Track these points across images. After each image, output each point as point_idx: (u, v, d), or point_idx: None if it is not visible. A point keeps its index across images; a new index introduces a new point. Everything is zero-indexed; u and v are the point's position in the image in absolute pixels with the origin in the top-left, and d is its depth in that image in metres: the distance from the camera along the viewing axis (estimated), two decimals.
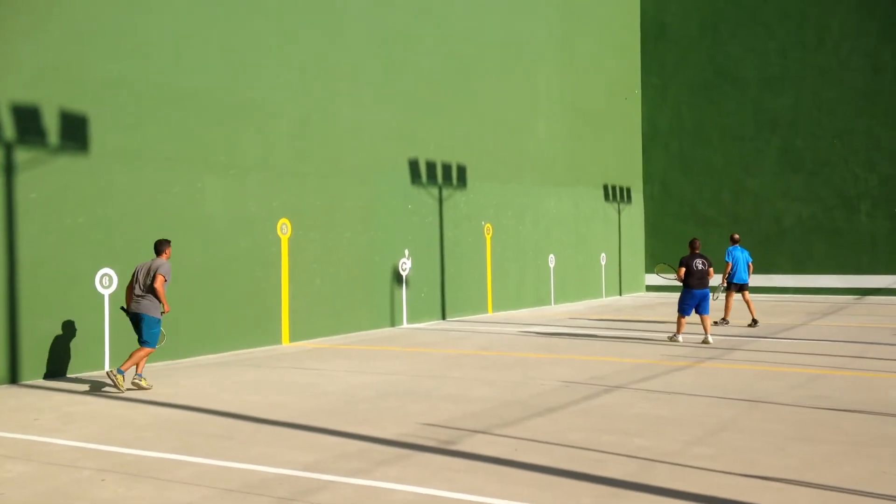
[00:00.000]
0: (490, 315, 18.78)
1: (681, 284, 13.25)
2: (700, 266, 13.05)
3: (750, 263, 16.07)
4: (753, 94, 24.89)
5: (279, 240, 13.79)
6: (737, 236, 16.27)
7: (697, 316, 13.58)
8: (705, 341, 12.96)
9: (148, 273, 9.52)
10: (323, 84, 14.79)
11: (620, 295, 25.01)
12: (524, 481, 5.76)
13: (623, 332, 15.04)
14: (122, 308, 9.81)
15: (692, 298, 13.04)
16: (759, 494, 5.39)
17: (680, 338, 13.25)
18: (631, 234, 25.91)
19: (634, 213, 26.21)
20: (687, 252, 13.47)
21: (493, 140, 19.52)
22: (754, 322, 15.35)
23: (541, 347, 12.96)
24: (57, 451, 6.69)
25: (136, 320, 9.51)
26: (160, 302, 9.50)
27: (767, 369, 10.54)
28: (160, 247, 9.79)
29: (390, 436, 7.11)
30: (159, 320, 9.59)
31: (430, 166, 17.44)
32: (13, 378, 9.98)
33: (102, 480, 5.87)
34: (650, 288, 26.56)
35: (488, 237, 19.12)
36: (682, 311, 13.18)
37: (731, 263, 15.81)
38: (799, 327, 15.32)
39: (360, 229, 15.54)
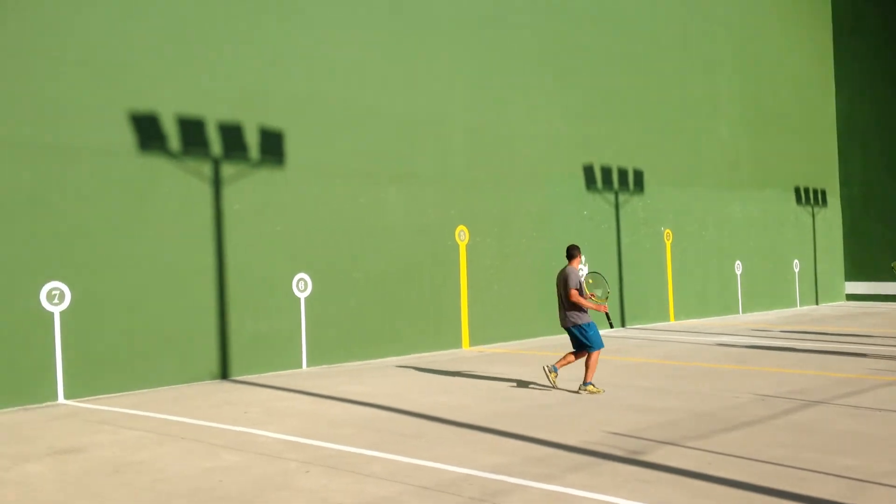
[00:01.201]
0: (672, 323, 18.24)
1: None
2: None
3: None
4: None
5: (457, 246, 14.12)
6: None
7: None
8: None
9: (559, 284, 9.45)
10: (496, 94, 15.01)
11: (817, 304, 23.49)
12: (718, 496, 5.58)
13: (823, 343, 14.13)
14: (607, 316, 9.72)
15: None
16: None
17: None
18: (828, 239, 24.27)
19: (831, 217, 24.55)
20: None
21: (671, 143, 18.98)
22: None
23: (730, 358, 12.44)
24: (265, 442, 7.22)
25: (570, 334, 9.49)
26: (584, 311, 9.34)
27: None
28: (571, 252, 9.61)
29: (576, 443, 7.10)
30: (590, 323, 9.40)
31: (606, 172, 17.22)
32: (224, 374, 10.87)
33: (307, 472, 6.27)
34: (851, 297, 24.76)
35: (668, 243, 18.60)
36: None
37: None
38: None
39: (536, 235, 15.61)
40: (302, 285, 11.85)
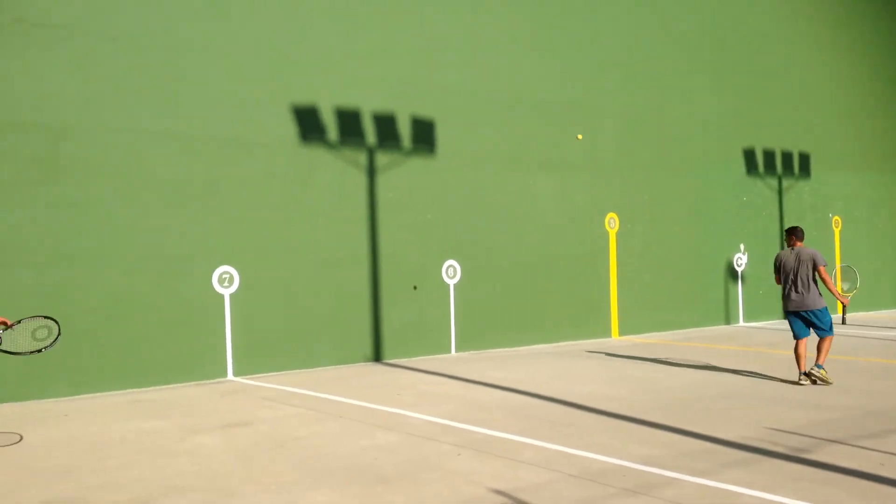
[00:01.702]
0: (838, 315, 17.16)
1: None
2: None
3: None
4: None
5: (607, 234, 13.89)
6: None
7: None
8: None
9: (797, 264, 9.28)
10: (650, 78, 14.59)
11: None
12: (891, 498, 5.22)
13: None
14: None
15: None
16: None
17: None
18: None
19: None
20: None
21: (841, 124, 17.80)
22: None
23: None
24: (417, 424, 7.42)
25: (800, 319, 9.35)
26: (820, 294, 9.33)
27: None
28: (800, 234, 9.55)
29: (734, 438, 6.84)
30: (826, 308, 9.38)
31: (768, 156, 16.39)
32: (377, 357, 11.25)
33: (458, 455, 6.39)
34: None
35: (837, 231, 17.48)
36: None
37: None
38: None
39: (690, 222, 15.10)
40: (451, 272, 12.05)
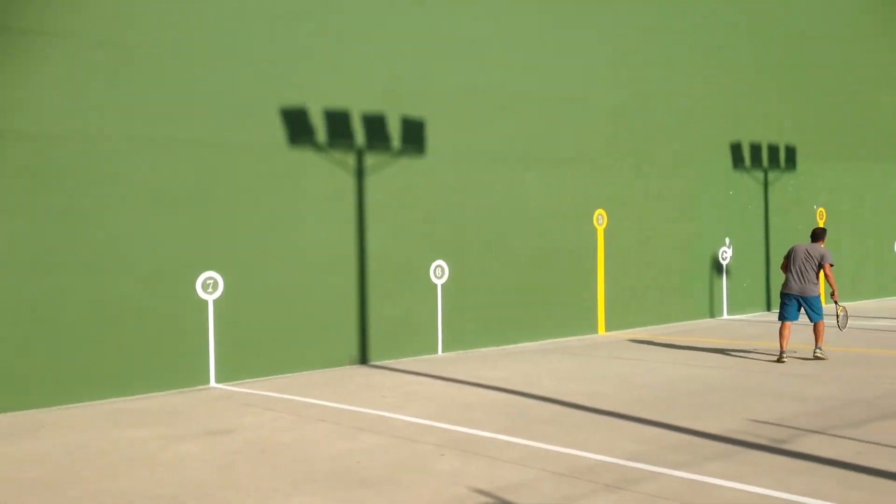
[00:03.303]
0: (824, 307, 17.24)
1: None
2: None
3: None
4: None
5: (595, 230, 13.93)
6: None
7: None
8: None
9: (807, 257, 10.54)
10: (638, 73, 14.62)
11: None
12: (874, 487, 5.27)
13: None
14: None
15: None
16: None
17: None
18: None
19: None
20: None
21: (826, 117, 17.88)
22: None
23: (886, 342, 11.66)
24: (401, 426, 7.43)
25: (798, 303, 10.57)
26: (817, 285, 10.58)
27: None
28: (821, 234, 10.81)
29: (715, 430, 6.89)
30: (819, 297, 10.62)
31: (755, 149, 16.46)
32: (363, 359, 11.25)
33: (442, 455, 6.41)
34: None
35: (821, 223, 17.58)
36: None
37: None
38: None
39: (678, 217, 15.15)
40: (439, 272, 12.06)
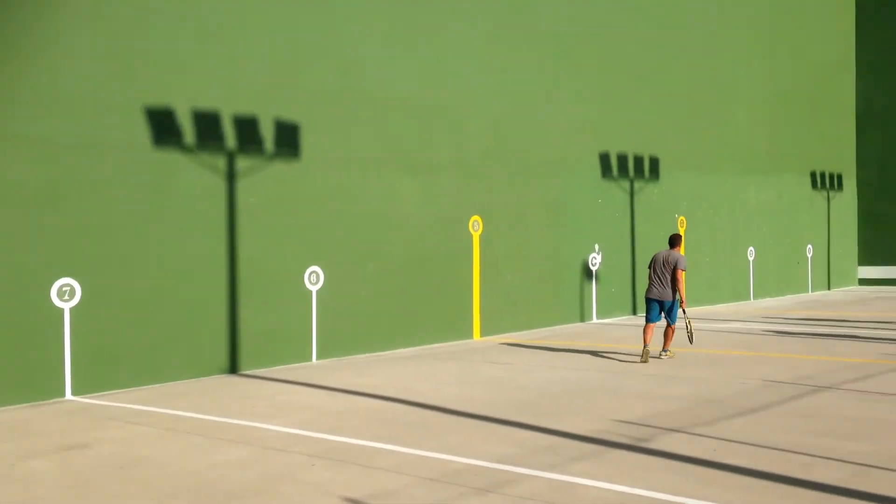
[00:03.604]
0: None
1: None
2: None
3: None
4: None
5: (471, 236, 14.10)
6: None
7: None
8: None
9: (664, 263, 11.05)
10: (514, 83, 14.94)
11: (829, 289, 23.29)
12: (726, 483, 5.54)
13: (833, 328, 14.02)
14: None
15: None
16: None
17: None
18: (842, 223, 24.05)
19: (846, 201, 24.31)
20: None
21: (688, 130, 18.85)
22: None
23: (739, 344, 12.36)
24: (271, 436, 7.25)
25: (658, 307, 11.12)
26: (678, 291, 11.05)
27: None
28: (676, 241, 11.32)
29: (583, 431, 7.08)
30: (677, 303, 11.13)
31: (622, 159, 17.13)
32: (233, 368, 10.92)
33: (313, 465, 6.29)
34: (863, 281, 24.54)
35: (682, 230, 18.48)
36: None
37: None
38: None
39: (550, 224, 15.56)
40: (314, 278, 11.88)
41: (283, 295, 11.53)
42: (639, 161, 17.52)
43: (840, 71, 24.36)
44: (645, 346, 10.98)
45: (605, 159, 16.72)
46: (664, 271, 11.04)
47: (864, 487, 5.32)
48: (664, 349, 11.25)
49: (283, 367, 11.35)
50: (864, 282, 24.52)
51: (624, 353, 11.81)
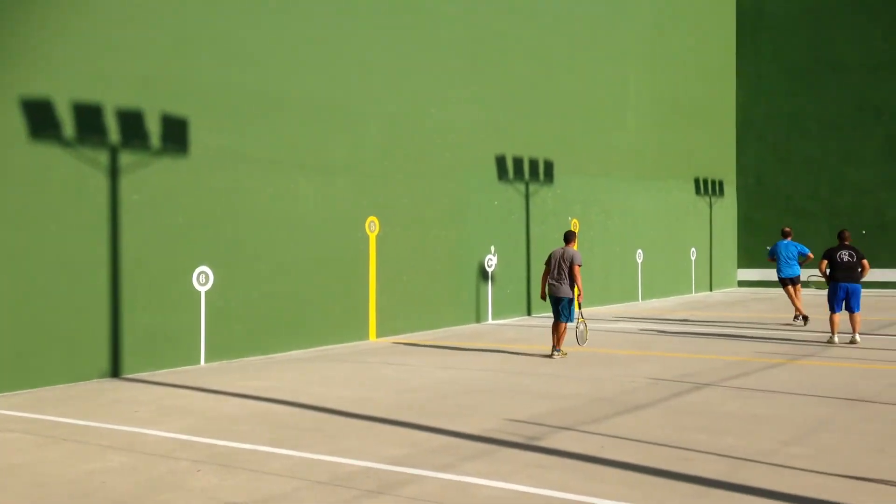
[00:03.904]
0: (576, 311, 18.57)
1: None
2: (846, 258, 12.16)
3: (808, 255, 15.23)
4: (856, 81, 23.85)
5: (367, 237, 14.00)
6: (786, 229, 15.50)
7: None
8: (852, 341, 12.09)
9: (561, 260, 11.28)
10: (411, 84, 14.93)
11: (711, 291, 24.36)
12: (611, 479, 5.69)
13: (713, 328, 14.65)
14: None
15: (837, 292, 12.18)
16: (856, 496, 5.17)
17: (836, 339, 12.24)
18: (723, 228, 25.21)
19: (727, 207, 25.48)
20: (836, 243, 12.56)
21: (581, 135, 19.32)
22: (799, 318, 14.73)
23: (628, 344, 12.75)
24: (155, 442, 6.98)
25: (559, 303, 11.32)
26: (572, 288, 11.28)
27: (867, 367, 10.10)
28: (570, 237, 11.66)
29: (477, 431, 7.13)
30: (572, 300, 11.35)
31: (517, 162, 17.39)
32: (115, 371, 10.46)
33: (198, 471, 6.08)
34: (742, 283, 25.79)
35: (575, 233, 18.91)
36: (830, 307, 12.29)
37: (774, 259, 15.23)
38: None
39: (447, 226, 15.63)
40: (203, 278, 11.52)
41: (170, 296, 11.14)
42: (534, 164, 17.84)
43: (721, 81, 25.53)
44: (553, 346, 11.37)
45: (501, 162, 16.94)
46: (561, 268, 11.28)
47: (740, 480, 5.56)
48: (556, 348, 11.40)
49: (169, 370, 10.97)
50: (743, 283, 25.77)
51: (519, 354, 11.97)
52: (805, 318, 14.89)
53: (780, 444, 6.44)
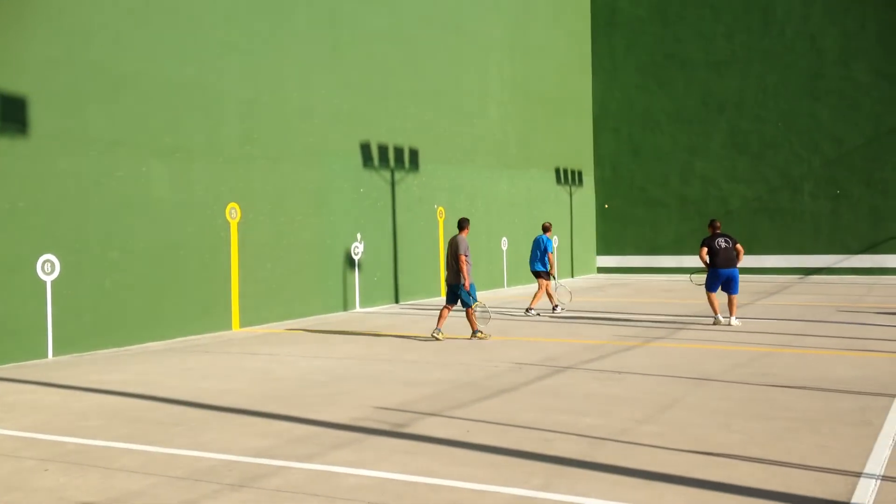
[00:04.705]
0: (443, 298, 18.77)
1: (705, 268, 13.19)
2: (723, 244, 12.92)
3: (550, 254, 15.38)
4: (701, 77, 25.24)
5: (228, 224, 13.58)
6: (546, 224, 15.76)
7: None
8: (728, 322, 12.85)
9: (450, 250, 11.75)
10: (271, 66, 14.55)
11: (572, 277, 25.23)
12: (476, 462, 5.77)
13: (574, 313, 15.17)
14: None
15: (717, 278, 12.96)
16: (704, 470, 5.48)
17: (721, 318, 12.95)
18: (583, 216, 26.14)
19: (586, 196, 26.42)
20: (708, 233, 13.29)
21: (445, 124, 19.46)
22: (529, 311, 14.97)
23: (493, 329, 13.00)
24: None
25: (452, 290, 11.80)
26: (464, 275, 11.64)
27: (714, 348, 10.74)
28: (462, 224, 12.07)
29: (343, 420, 7.06)
30: (472, 285, 11.72)
31: (382, 150, 17.32)
32: None
33: (46, 470, 5.72)
34: (602, 270, 26.86)
35: (441, 220, 19.09)
36: (709, 287, 13.05)
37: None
38: (745, 307, 15.63)
39: (312, 213, 15.38)
40: (48, 267, 10.82)
41: (12, 285, 10.41)
42: (399, 152, 17.84)
43: (579, 74, 26.40)
44: (436, 327, 11.77)
45: (366, 149, 16.84)
46: (452, 256, 11.73)
47: (598, 459, 5.78)
48: (474, 331, 11.81)
49: (12, 364, 10.26)
50: (602, 270, 26.85)
51: (386, 339, 11.96)
52: (529, 310, 14.98)
53: (634, 423, 6.74)
